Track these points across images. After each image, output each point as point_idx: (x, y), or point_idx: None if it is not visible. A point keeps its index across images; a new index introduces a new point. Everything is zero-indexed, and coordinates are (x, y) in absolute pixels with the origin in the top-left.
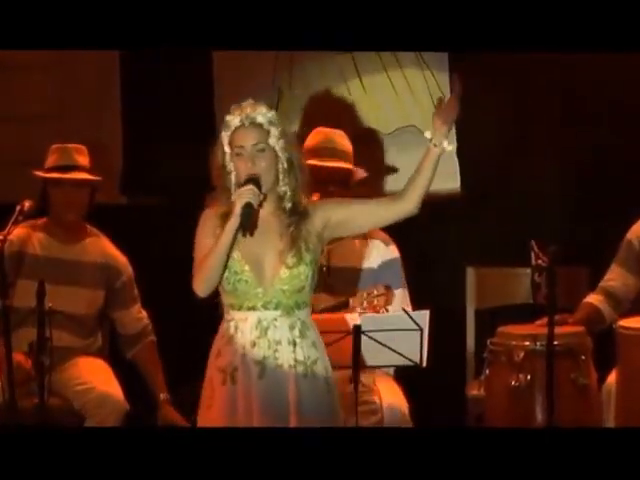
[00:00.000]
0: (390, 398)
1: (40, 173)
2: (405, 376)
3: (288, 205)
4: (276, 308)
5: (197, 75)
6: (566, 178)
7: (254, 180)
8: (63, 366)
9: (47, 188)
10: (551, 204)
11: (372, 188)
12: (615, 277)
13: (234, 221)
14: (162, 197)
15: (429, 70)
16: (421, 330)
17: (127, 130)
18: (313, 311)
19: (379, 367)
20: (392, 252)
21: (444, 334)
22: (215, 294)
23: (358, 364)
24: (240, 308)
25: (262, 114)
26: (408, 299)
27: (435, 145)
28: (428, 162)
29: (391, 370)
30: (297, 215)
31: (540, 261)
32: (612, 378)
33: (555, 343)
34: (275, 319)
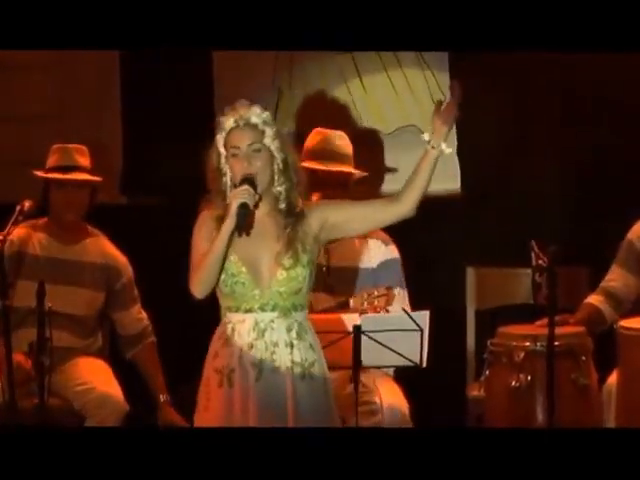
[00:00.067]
0: (390, 398)
1: (41, 173)
2: (405, 376)
3: (282, 206)
4: (273, 310)
5: (197, 75)
6: (566, 178)
7: (249, 180)
8: (63, 366)
9: (48, 188)
10: (551, 204)
11: (372, 188)
12: (616, 277)
13: (230, 221)
14: (162, 197)
15: (429, 70)
16: (421, 330)
17: (127, 130)
18: (313, 311)
19: (379, 367)
20: (392, 252)
21: (444, 334)
22: (213, 295)
23: (358, 364)
24: (237, 310)
25: (256, 114)
26: (407, 300)
27: (433, 147)
28: (426, 164)
29: (391, 370)
30: (293, 216)
31: (540, 261)
32: (613, 379)
33: (555, 343)
34: (272, 321)
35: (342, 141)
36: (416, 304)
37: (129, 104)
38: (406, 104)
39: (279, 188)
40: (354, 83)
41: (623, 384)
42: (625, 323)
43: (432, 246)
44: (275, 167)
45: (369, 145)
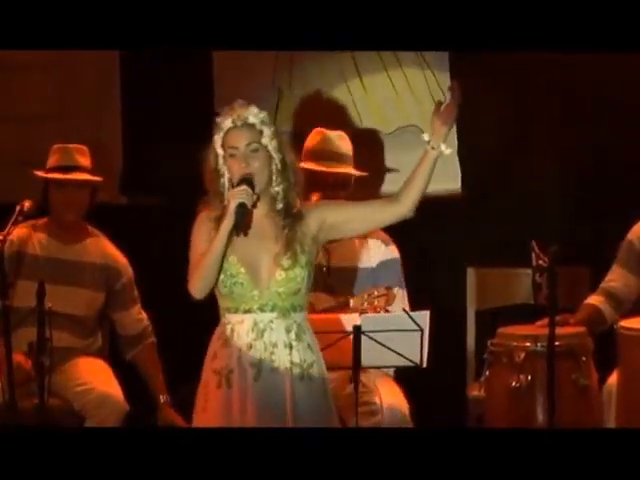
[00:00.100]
0: (390, 399)
1: (41, 173)
2: (405, 377)
3: (280, 206)
4: (272, 310)
5: (197, 75)
6: (566, 178)
7: (247, 180)
8: (63, 366)
9: (48, 188)
10: (551, 204)
11: (372, 188)
12: (616, 278)
13: (228, 221)
14: (162, 197)
15: (430, 70)
16: (421, 331)
17: (127, 130)
18: (313, 311)
19: (379, 368)
20: (392, 252)
21: (444, 335)
22: (213, 295)
23: (358, 364)
24: (236, 311)
25: (254, 114)
26: (406, 300)
27: (433, 148)
28: (425, 165)
29: (391, 371)
30: (291, 217)
31: (541, 261)
32: (613, 379)
33: (556, 344)
34: (271, 321)
35: (342, 141)
36: (416, 304)
37: (129, 104)
38: (406, 104)
39: (277, 188)
40: (354, 83)
41: (623, 384)
42: (625, 323)
43: (432, 246)
44: (273, 167)
45: (369, 145)
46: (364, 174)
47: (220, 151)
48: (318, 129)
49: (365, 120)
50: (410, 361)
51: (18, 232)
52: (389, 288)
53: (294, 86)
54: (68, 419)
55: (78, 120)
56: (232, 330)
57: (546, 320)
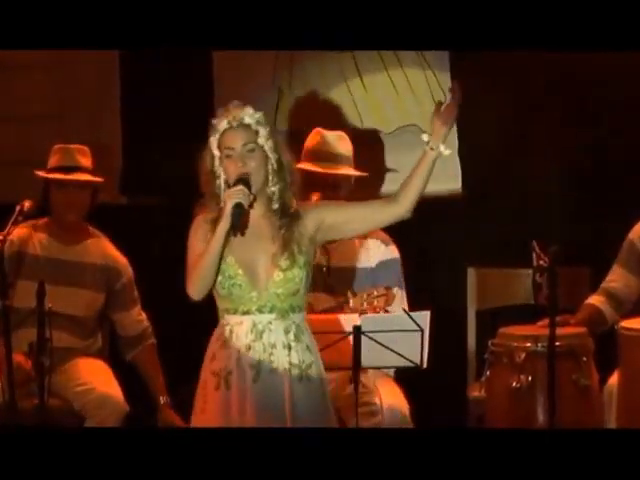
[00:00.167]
0: (390, 399)
1: (42, 173)
2: (406, 377)
3: (276, 206)
4: (271, 311)
5: (197, 75)
6: (566, 178)
7: (244, 180)
8: (63, 367)
9: (49, 189)
10: (551, 204)
11: (372, 188)
12: (617, 278)
13: (225, 221)
14: (162, 197)
15: (430, 69)
16: (422, 331)
17: (127, 130)
18: (313, 311)
19: (379, 368)
20: (392, 252)
21: (445, 335)
22: (213, 296)
23: (358, 365)
24: (235, 312)
25: (249, 115)
26: (405, 300)
27: (432, 148)
28: (423, 165)
29: (391, 371)
30: (288, 217)
31: (541, 261)
32: (614, 379)
33: (556, 344)
34: (270, 322)
35: (342, 142)
36: (416, 304)
37: (129, 104)
38: (407, 104)
39: (273, 188)
40: (354, 83)
41: (624, 385)
42: (626, 324)
43: (432, 246)
44: (269, 167)
45: (369, 145)
46: (364, 174)
47: (216, 152)
48: (318, 129)
49: (365, 120)
50: (410, 361)
51: (18, 232)
52: (388, 288)
53: (294, 86)
54: (68, 419)
55: (78, 120)
56: (231, 331)
57: (546, 320)
